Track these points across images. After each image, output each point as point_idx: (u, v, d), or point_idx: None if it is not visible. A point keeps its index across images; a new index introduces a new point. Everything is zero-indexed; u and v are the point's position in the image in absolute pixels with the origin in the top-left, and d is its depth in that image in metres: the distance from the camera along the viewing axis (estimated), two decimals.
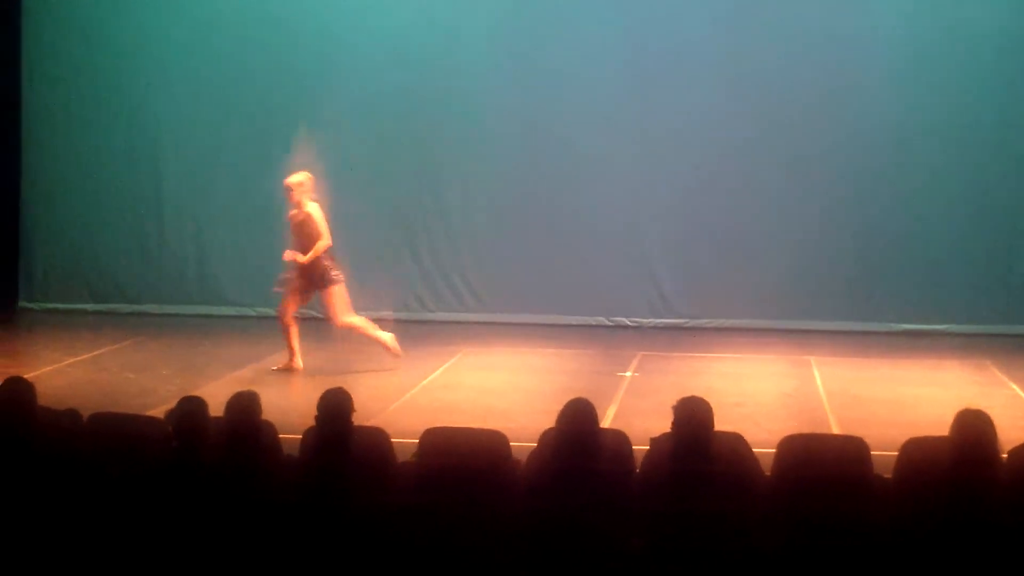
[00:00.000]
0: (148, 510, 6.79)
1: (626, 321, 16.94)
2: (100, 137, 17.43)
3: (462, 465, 7.29)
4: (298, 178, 13.74)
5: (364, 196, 16.69)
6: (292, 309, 13.83)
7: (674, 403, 7.36)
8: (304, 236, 13.66)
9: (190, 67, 17.27)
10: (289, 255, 13.66)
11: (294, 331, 13.81)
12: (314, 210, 13.66)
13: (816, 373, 14.03)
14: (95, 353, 13.80)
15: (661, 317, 16.95)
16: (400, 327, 15.10)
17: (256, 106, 17.16)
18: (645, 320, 16.94)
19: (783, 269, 16.70)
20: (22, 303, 17.46)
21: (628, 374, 13.88)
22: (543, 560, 6.67)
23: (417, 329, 16.05)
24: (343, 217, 14.47)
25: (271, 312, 14.95)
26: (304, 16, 17.14)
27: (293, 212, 13.75)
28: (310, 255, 13.55)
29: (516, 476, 7.45)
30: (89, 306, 17.28)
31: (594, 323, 16.86)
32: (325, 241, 13.57)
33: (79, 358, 14.18)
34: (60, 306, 17.31)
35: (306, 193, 13.71)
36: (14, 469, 7.12)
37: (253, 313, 16.92)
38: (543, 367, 14.32)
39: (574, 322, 16.80)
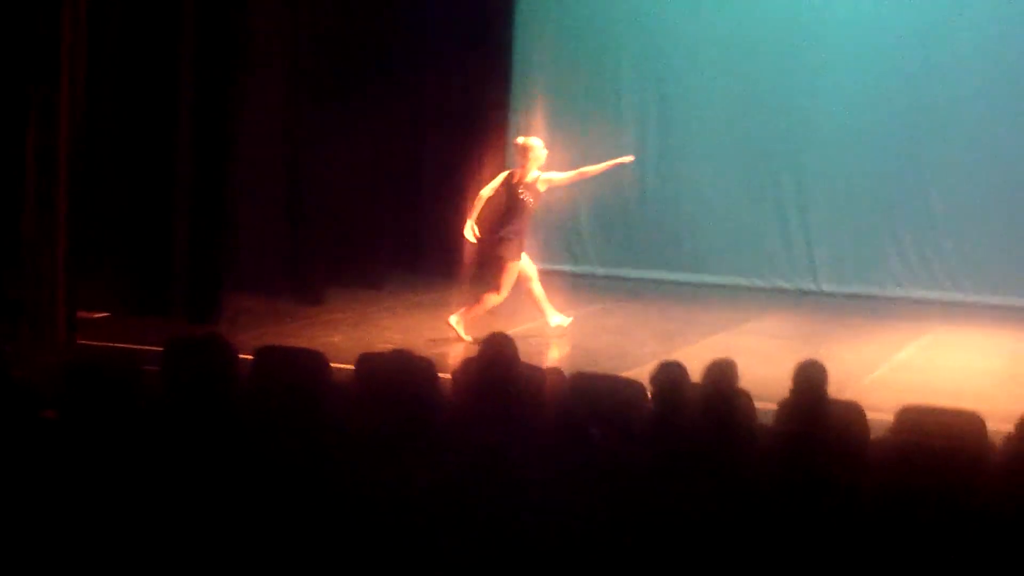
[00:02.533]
0: (624, 475, 6.92)
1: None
2: None
3: (939, 445, 7.22)
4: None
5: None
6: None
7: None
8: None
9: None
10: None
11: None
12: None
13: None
14: (573, 315, 14.21)
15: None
16: (874, 303, 15.09)
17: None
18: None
19: None
20: None
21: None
22: None
23: (888, 306, 15.96)
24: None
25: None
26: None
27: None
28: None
29: (988, 459, 7.34)
30: (568, 267, 17.75)
31: None
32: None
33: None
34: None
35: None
36: (501, 419, 7.37)
37: (729, 282, 17.13)
38: (1019, 351, 13.98)
39: None
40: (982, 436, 7.57)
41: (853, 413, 7.69)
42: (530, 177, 13.47)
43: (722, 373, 7.56)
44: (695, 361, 7.62)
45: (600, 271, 17.73)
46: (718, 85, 17.33)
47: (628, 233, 17.75)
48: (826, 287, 16.97)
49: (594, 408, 7.55)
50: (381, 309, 14.94)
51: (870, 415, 7.87)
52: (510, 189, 13.50)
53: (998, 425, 7.81)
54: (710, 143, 17.39)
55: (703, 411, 7.35)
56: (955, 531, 6.35)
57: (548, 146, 13.73)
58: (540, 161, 13.51)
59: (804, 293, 16.95)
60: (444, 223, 16.07)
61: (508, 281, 13.33)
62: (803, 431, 7.33)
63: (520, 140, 13.77)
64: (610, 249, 17.83)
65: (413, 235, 17.59)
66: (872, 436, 7.68)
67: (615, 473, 6.72)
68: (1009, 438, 7.26)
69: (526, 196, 13.42)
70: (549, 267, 17.04)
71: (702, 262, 17.41)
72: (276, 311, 14.39)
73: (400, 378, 7.25)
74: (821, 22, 16.87)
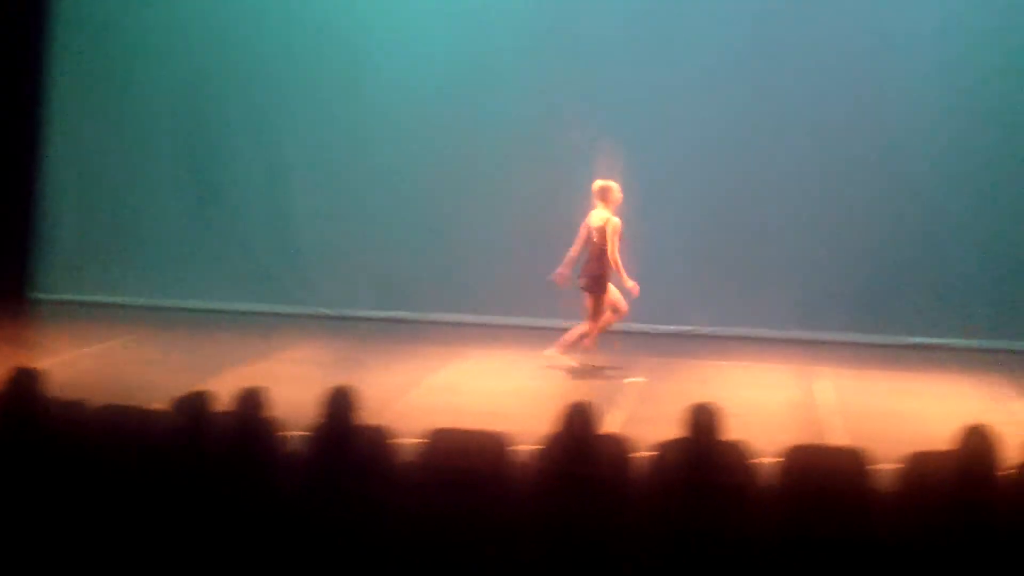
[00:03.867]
0: (150, 502, 6.80)
1: (636, 327, 16.90)
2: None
3: (465, 466, 7.28)
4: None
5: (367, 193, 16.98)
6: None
7: (685, 409, 7.37)
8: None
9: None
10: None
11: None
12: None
13: (821, 384, 14.01)
14: (103, 346, 13.78)
15: (670, 324, 16.93)
16: (401, 327, 15.16)
17: (274, 104, 17.30)
18: (654, 326, 16.91)
19: (792, 279, 16.68)
20: (33, 294, 17.50)
21: (635, 380, 13.86)
22: (542, 561, 6.67)
23: (419, 330, 16.13)
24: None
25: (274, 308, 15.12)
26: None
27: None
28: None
29: (517, 478, 7.44)
30: (101, 298, 17.30)
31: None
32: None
33: (86, 351, 14.21)
34: (70, 298, 17.37)
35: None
36: (20, 458, 7.14)
37: (258, 309, 17.00)
38: (550, 372, 14.29)
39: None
40: (505, 456, 7.68)
41: (380, 437, 7.69)
42: None
43: (250, 401, 7.45)
44: (227, 389, 7.46)
45: (136, 301, 17.32)
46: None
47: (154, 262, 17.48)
48: (364, 312, 17.02)
49: (117, 440, 7.35)
50: None
51: (400, 439, 7.87)
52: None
53: (525, 445, 7.92)
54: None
55: (230, 438, 7.22)
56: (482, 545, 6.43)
57: None
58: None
59: (343, 319, 16.94)
60: None
61: None
62: (329, 455, 7.28)
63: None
64: (142, 278, 17.47)
65: None
66: (402, 459, 7.70)
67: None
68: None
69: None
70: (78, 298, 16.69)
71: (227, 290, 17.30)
72: None
73: None
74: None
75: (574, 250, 14.25)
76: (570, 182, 15.38)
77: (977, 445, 7.06)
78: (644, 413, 12.07)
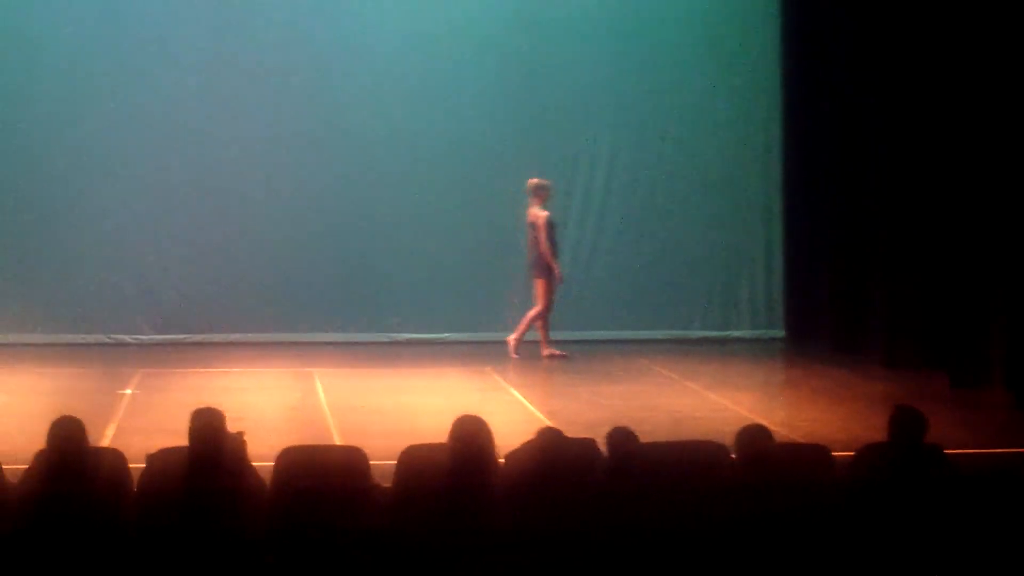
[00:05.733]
0: None
1: (127, 339, 16.66)
2: None
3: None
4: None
5: None
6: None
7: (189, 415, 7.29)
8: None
9: None
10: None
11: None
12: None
13: (319, 385, 14.11)
14: None
15: (162, 333, 16.75)
16: None
17: None
18: (146, 337, 16.70)
19: (280, 281, 16.80)
20: None
21: (128, 392, 13.62)
22: None
23: None
24: None
25: None
26: None
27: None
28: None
29: (10, 498, 7.21)
30: None
31: (93, 341, 16.52)
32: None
33: None
34: None
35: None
36: None
37: None
38: (40, 388, 13.87)
39: (74, 341, 16.42)
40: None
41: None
42: None
43: None
44: None
45: None
46: None
47: None
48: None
49: None
50: None
51: None
52: None
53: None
54: None
55: None
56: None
57: None
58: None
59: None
60: None
61: None
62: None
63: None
64: None
65: None
66: None
67: None
68: None
69: None
70: None
71: None
72: None
73: None
74: None
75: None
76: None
77: (468, 435, 7.22)
78: (137, 424, 11.86)
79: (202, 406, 7.37)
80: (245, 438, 7.48)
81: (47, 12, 16.55)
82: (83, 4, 16.69)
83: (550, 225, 15.73)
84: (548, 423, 11.82)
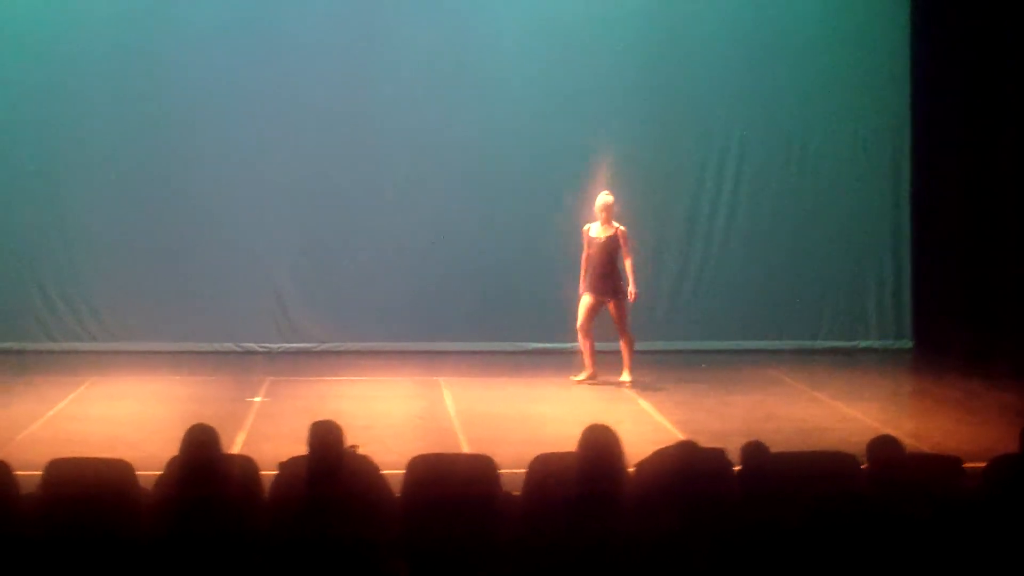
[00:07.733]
0: None
1: (255, 347, 16.80)
2: None
3: (87, 495, 7.09)
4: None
5: None
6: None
7: (308, 427, 7.31)
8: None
9: None
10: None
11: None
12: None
13: (446, 393, 14.14)
14: None
15: (290, 342, 16.87)
16: (23, 357, 14.68)
17: None
18: (274, 345, 16.83)
19: (409, 290, 16.83)
20: None
21: (257, 400, 13.74)
22: None
23: (41, 359, 15.65)
24: None
25: None
26: None
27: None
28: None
29: (144, 504, 7.28)
30: None
31: (223, 350, 16.68)
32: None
33: None
34: None
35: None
36: None
37: None
38: (171, 395, 14.03)
39: (203, 349, 16.58)
40: (134, 482, 7.51)
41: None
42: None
43: None
44: None
45: None
46: None
47: None
48: None
49: None
50: None
51: (20, 472, 7.60)
52: None
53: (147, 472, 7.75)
54: None
55: None
56: None
57: None
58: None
59: None
60: None
61: None
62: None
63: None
64: None
65: None
66: (23, 491, 7.46)
67: None
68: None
69: None
70: None
71: None
72: None
73: None
74: None
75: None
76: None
77: (598, 444, 7.18)
78: (267, 432, 11.96)
79: (319, 419, 7.40)
80: (361, 451, 7.52)
81: (178, 21, 16.73)
82: (217, 12, 16.86)
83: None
84: (675, 432, 11.84)
